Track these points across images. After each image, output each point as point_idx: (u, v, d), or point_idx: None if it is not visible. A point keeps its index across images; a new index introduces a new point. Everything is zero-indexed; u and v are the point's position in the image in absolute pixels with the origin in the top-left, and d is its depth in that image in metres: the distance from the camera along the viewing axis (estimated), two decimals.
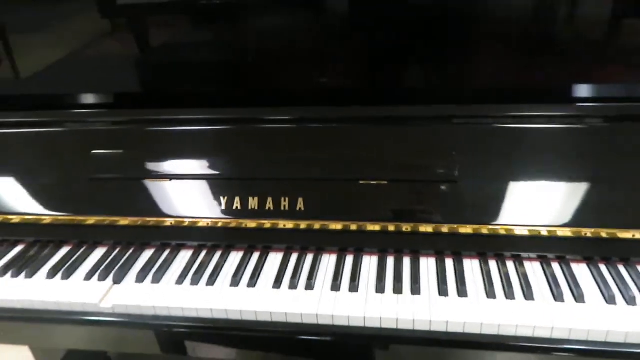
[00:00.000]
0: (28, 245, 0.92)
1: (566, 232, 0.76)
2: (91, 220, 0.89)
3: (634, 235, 0.75)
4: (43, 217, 0.90)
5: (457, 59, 0.86)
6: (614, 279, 0.74)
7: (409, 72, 0.89)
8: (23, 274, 0.84)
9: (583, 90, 0.83)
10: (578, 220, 0.76)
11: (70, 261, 0.87)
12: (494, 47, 0.84)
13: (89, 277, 0.82)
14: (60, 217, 0.90)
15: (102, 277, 0.82)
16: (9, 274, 0.85)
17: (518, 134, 0.81)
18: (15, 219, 0.92)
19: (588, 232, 0.75)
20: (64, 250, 0.90)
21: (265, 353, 0.83)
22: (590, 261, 0.77)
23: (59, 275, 0.83)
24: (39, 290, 0.81)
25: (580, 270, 0.76)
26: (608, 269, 0.76)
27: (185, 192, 0.87)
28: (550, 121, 0.80)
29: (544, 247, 0.78)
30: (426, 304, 0.71)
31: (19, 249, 0.92)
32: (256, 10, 0.87)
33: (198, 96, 0.93)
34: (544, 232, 0.76)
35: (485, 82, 0.87)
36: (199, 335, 0.78)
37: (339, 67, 0.89)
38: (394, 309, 0.70)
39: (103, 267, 0.84)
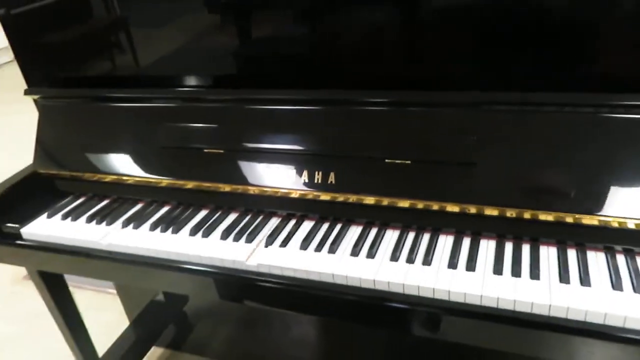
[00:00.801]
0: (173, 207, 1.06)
1: None
2: (227, 187, 0.98)
3: None
4: (186, 182, 1.02)
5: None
6: None
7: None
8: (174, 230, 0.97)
9: None
10: None
11: (210, 222, 0.98)
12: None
13: (237, 238, 0.93)
14: (198, 184, 1.01)
15: (249, 240, 0.92)
16: (158, 229, 0.98)
17: None
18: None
19: None
20: (203, 213, 1.02)
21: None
22: None
23: (200, 233, 0.95)
24: (191, 244, 0.93)
25: None
26: None
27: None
28: None
29: None
30: (546, 289, 0.73)
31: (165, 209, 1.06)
32: (340, 6, 0.94)
33: (286, 79, 1.01)
34: None
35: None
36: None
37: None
38: (511, 291, 0.73)
39: (238, 229, 0.94)
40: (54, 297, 1.20)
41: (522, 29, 0.83)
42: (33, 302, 1.94)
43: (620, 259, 0.77)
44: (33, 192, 1.14)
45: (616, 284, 0.72)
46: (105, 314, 1.79)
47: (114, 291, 1.87)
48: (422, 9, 0.89)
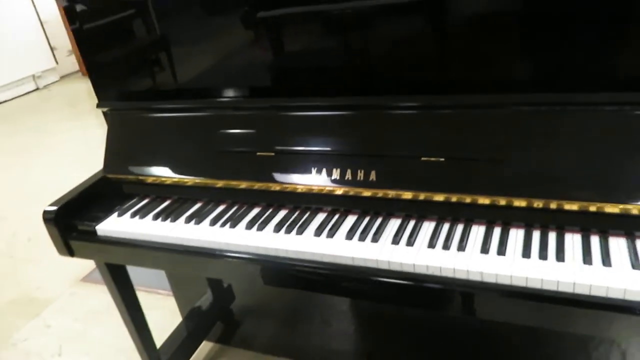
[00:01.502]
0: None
1: None
2: (277, 186, 1.09)
3: None
4: (239, 183, 1.14)
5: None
6: None
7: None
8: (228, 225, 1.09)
9: None
10: None
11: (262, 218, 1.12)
12: None
13: (288, 231, 1.04)
14: (251, 184, 1.13)
15: (299, 232, 1.03)
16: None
17: None
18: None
19: None
20: (256, 210, 1.13)
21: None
22: None
23: (255, 227, 1.08)
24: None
25: None
26: None
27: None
28: None
29: None
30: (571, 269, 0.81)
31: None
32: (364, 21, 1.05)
33: (315, 88, 1.11)
34: None
35: None
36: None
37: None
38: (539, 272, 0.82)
39: (288, 223, 1.05)
40: (118, 288, 1.34)
41: (540, 35, 0.92)
42: (92, 301, 2.11)
43: (595, 239, 0.86)
44: (102, 195, 1.28)
45: (635, 265, 0.79)
46: (155, 312, 1.92)
47: (164, 292, 2.01)
48: (444, 20, 0.99)
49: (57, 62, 6.09)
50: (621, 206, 0.85)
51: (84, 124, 4.58)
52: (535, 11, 0.92)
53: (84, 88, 5.87)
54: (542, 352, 1.33)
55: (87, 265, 2.33)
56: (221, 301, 1.76)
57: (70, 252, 1.23)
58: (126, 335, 1.46)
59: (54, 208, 1.20)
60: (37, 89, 5.98)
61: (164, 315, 1.88)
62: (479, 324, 1.38)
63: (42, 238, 2.62)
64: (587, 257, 0.82)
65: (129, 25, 1.28)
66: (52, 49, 5.99)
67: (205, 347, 1.74)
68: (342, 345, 1.64)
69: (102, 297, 2.10)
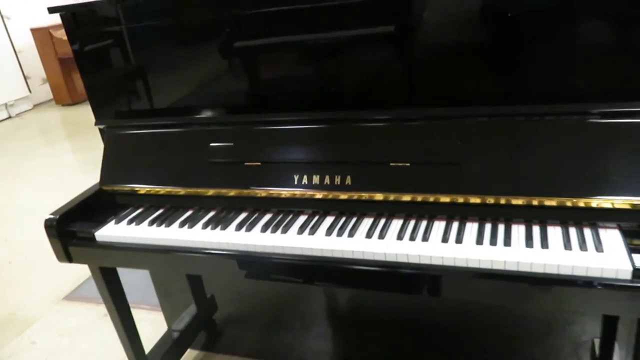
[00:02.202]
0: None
1: None
2: (263, 193, 1.24)
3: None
4: (229, 190, 1.27)
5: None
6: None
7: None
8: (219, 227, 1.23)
9: None
10: None
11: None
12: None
13: (274, 230, 1.20)
14: (239, 191, 1.26)
15: (284, 231, 1.18)
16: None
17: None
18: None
19: None
20: (244, 214, 1.28)
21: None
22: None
23: (244, 229, 1.21)
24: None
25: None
26: None
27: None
28: None
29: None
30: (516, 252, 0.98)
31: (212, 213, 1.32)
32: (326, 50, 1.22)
33: (295, 105, 1.26)
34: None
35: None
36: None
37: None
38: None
39: (274, 224, 1.19)
40: (111, 293, 1.42)
41: (492, 57, 1.10)
42: (77, 317, 2.16)
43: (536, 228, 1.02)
44: (99, 206, 1.38)
45: (567, 246, 0.96)
46: (143, 325, 1.98)
47: (149, 307, 2.08)
48: (402, 45, 1.17)
49: (30, 91, 6.12)
50: (557, 199, 1.01)
51: (56, 151, 4.62)
52: (479, 39, 1.10)
53: (57, 116, 5.91)
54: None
55: (70, 284, 2.38)
56: (205, 311, 1.85)
57: (69, 258, 1.32)
58: (113, 346, 1.54)
59: (55, 216, 1.29)
60: (10, 117, 5.98)
61: (151, 328, 1.95)
62: (454, 326, 1.52)
63: (23, 260, 2.69)
64: (529, 242, 0.98)
65: (125, 51, 1.41)
66: (25, 78, 6.03)
67: (190, 354, 1.82)
68: (321, 349, 1.75)
69: (87, 313, 2.17)
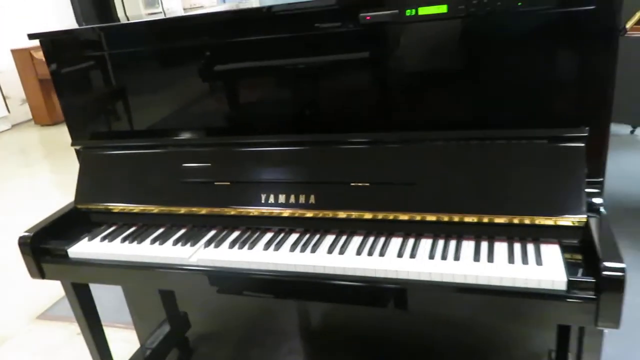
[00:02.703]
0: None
1: None
2: (232, 211, 1.28)
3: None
4: (200, 209, 1.32)
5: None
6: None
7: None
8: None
9: None
10: None
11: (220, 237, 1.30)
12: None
13: (241, 247, 1.25)
14: (210, 209, 1.31)
15: (250, 247, 1.24)
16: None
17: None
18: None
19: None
20: (213, 232, 1.34)
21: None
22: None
23: (212, 245, 1.27)
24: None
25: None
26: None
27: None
28: None
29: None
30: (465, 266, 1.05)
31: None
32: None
33: (261, 129, 1.35)
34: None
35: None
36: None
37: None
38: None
39: (241, 240, 1.25)
40: (83, 309, 1.45)
41: (444, 88, 1.19)
42: (50, 336, 2.16)
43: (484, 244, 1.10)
44: (73, 224, 1.43)
45: (510, 260, 1.03)
46: (116, 344, 2.00)
47: (123, 325, 2.10)
48: (361, 76, 1.25)
49: (9, 111, 6.11)
50: (506, 217, 1.09)
51: (34, 171, 4.61)
52: (430, 72, 1.20)
53: (36, 136, 5.90)
54: None
55: (44, 303, 2.39)
56: (177, 329, 1.88)
57: (42, 275, 1.36)
58: None
59: (30, 234, 1.33)
60: None
61: (124, 345, 1.96)
62: (418, 341, 1.58)
63: None
64: (476, 256, 1.06)
65: (101, 76, 1.48)
66: (4, 97, 6.02)
67: None
68: None
69: (61, 332, 2.18)
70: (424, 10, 1.08)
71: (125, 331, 2.04)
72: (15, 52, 5.79)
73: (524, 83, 1.13)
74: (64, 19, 6.54)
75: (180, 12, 8.47)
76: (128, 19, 1.59)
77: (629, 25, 1.97)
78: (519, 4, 1.02)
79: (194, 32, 1.35)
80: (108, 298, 1.96)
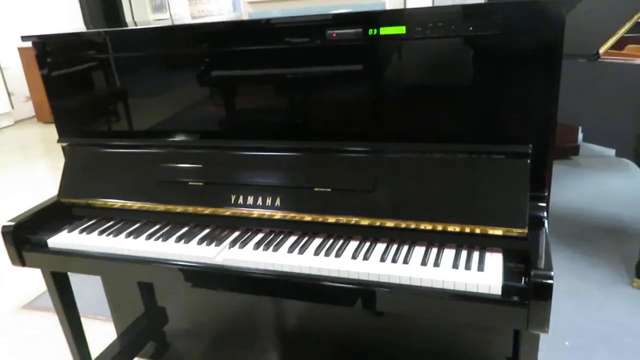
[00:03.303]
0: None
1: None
2: (207, 210, 1.35)
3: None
4: (175, 207, 1.41)
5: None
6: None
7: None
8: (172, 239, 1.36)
9: None
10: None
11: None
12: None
13: (209, 244, 1.32)
14: (185, 208, 1.40)
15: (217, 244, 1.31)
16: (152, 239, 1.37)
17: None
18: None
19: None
20: (185, 228, 1.41)
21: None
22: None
23: (182, 241, 1.34)
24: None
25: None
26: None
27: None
28: None
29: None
30: (412, 269, 1.13)
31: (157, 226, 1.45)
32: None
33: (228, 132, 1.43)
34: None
35: None
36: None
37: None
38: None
39: (209, 238, 1.33)
40: (60, 297, 1.53)
41: (403, 104, 1.27)
42: (33, 327, 2.23)
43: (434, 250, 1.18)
44: (55, 216, 1.50)
45: (455, 265, 1.10)
46: (94, 335, 2.07)
47: (102, 317, 2.17)
48: (329, 89, 1.33)
49: (13, 107, 6.22)
50: (459, 226, 1.16)
51: (33, 167, 4.71)
52: (393, 89, 1.28)
53: (38, 133, 6.00)
54: None
55: (30, 294, 2.46)
56: (155, 322, 1.95)
57: (22, 262, 1.43)
58: (64, 357, 1.61)
59: (12, 223, 1.41)
60: None
61: (103, 337, 2.03)
62: (386, 330, 1.64)
63: None
64: (424, 260, 1.13)
65: (87, 77, 1.56)
66: (9, 94, 6.14)
67: None
68: None
69: (43, 322, 2.25)
70: (385, 30, 1.16)
71: (106, 324, 2.11)
72: (22, 51, 5.91)
73: (477, 102, 1.21)
74: (77, 21, 6.68)
75: (187, 18, 8.61)
76: (136, 24, 1.68)
77: (602, 50, 2.04)
78: (471, 28, 1.10)
79: (174, 41, 1.44)
80: (91, 291, 2.04)
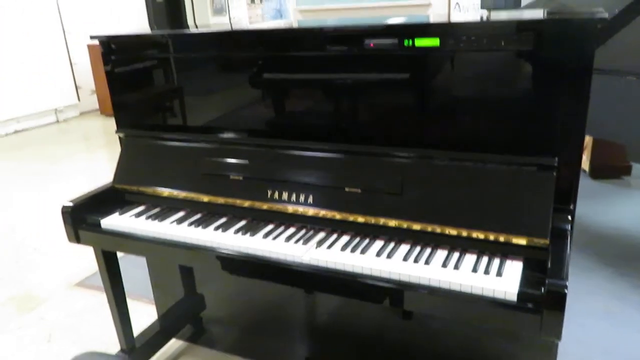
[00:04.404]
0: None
1: None
2: (246, 203, 1.48)
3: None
4: (217, 198, 1.53)
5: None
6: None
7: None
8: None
9: None
10: None
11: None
12: None
13: (244, 233, 1.43)
14: (225, 200, 1.52)
15: (252, 235, 1.41)
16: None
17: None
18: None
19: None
20: (223, 219, 1.52)
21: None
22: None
23: (220, 230, 1.45)
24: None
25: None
26: None
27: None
28: None
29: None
30: (433, 270, 1.18)
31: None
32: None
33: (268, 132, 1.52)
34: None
35: None
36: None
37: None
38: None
39: (245, 229, 1.43)
40: (109, 276, 1.67)
41: (432, 112, 1.32)
42: (84, 302, 2.41)
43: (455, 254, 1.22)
44: (109, 200, 1.64)
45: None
46: (137, 314, 2.22)
47: (147, 300, 2.32)
48: (366, 98, 1.40)
49: (79, 99, 6.63)
50: (484, 233, 1.20)
51: (94, 157, 5.01)
52: (423, 99, 1.33)
53: (100, 125, 6.37)
54: None
55: (83, 272, 2.65)
56: (193, 308, 2.07)
57: (78, 239, 1.58)
58: (109, 332, 1.75)
59: (71, 204, 1.56)
60: (57, 121, 6.48)
61: (145, 318, 2.17)
62: (411, 333, 1.69)
63: (47, 248, 2.98)
64: (445, 263, 1.17)
65: (147, 76, 1.70)
66: (77, 87, 6.55)
67: (175, 343, 2.03)
68: (295, 353, 1.94)
69: (93, 299, 2.42)
70: (419, 42, 1.22)
71: (149, 305, 2.25)
72: (91, 47, 6.30)
73: (506, 114, 1.24)
74: (143, 22, 7.04)
75: (245, 21, 8.77)
76: (196, 26, 1.82)
77: None
78: (502, 43, 1.14)
79: (228, 44, 1.54)
80: (138, 275, 2.19)
